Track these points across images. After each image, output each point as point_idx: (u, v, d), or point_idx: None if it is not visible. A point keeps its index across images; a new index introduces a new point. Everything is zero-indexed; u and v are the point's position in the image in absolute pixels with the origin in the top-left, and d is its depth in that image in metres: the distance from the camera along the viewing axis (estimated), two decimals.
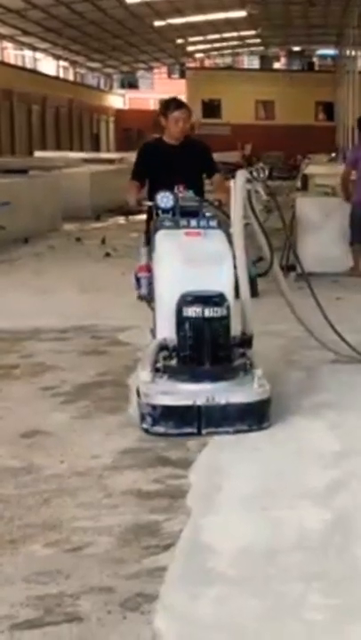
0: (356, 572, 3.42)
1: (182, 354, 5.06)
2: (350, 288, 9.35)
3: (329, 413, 5.29)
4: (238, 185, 5.50)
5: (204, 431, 4.81)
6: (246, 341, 5.35)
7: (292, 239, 6.21)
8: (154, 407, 4.83)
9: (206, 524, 3.83)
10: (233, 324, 5.21)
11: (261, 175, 5.84)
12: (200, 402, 4.82)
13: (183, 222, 5.49)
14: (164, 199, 5.50)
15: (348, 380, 5.97)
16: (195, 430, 4.81)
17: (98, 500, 4.06)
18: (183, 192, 5.63)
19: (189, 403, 4.82)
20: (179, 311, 5.03)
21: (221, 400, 4.85)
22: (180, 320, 5.03)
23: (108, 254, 12.57)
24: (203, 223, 5.49)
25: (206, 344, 4.99)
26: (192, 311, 4.98)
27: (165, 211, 5.54)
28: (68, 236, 15.01)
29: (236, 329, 5.31)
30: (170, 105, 6.24)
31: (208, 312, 4.97)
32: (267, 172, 5.94)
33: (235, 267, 5.32)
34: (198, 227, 5.48)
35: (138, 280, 5.70)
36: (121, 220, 18.38)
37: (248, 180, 5.57)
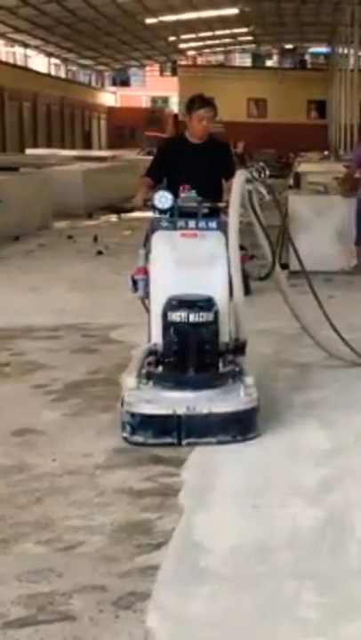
0: (349, 570, 3.42)
1: (167, 360, 4.88)
2: (343, 286, 9.37)
3: (321, 411, 5.29)
4: (237, 184, 5.34)
5: (184, 441, 4.63)
6: (239, 348, 5.15)
7: (288, 237, 6.10)
8: (133, 415, 4.67)
9: (198, 523, 3.83)
10: (227, 328, 5.05)
11: (262, 175, 5.60)
12: (180, 411, 4.64)
13: (181, 223, 5.29)
14: (162, 199, 5.29)
15: (341, 378, 5.97)
16: (175, 440, 4.63)
17: (90, 499, 4.06)
18: (185, 192, 5.43)
19: (169, 412, 4.64)
20: (164, 315, 4.86)
21: (203, 409, 4.66)
22: (166, 325, 4.86)
23: (100, 252, 12.54)
24: (201, 224, 5.29)
25: (191, 350, 4.81)
26: (177, 316, 4.80)
27: (163, 211, 5.33)
28: (59, 234, 14.98)
29: (231, 333, 5.15)
30: (194, 102, 5.89)
31: (193, 317, 4.78)
32: (267, 172, 5.69)
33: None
34: (197, 228, 5.28)
35: (135, 282, 5.43)
36: (113, 218, 18.37)
37: (248, 180, 5.43)
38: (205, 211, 5.36)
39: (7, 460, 4.51)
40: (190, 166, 5.74)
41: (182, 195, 5.40)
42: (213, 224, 5.30)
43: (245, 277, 5.58)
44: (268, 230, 5.69)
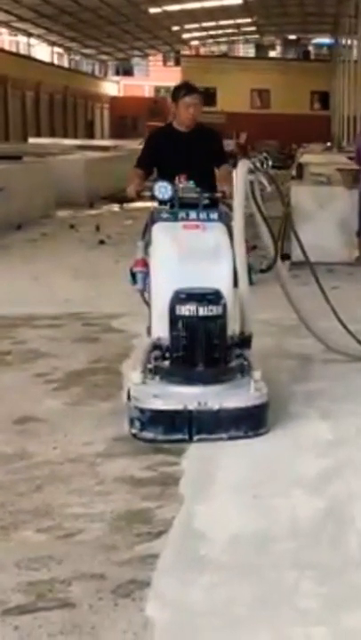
0: (349, 561, 3.42)
1: (175, 354, 4.78)
2: (345, 278, 9.36)
3: (322, 402, 5.29)
4: (240, 175, 5.26)
5: (195, 437, 4.56)
6: (245, 341, 5.07)
7: (292, 227, 6.05)
8: (142, 411, 4.59)
9: (199, 512, 3.83)
10: (233, 321, 4.98)
11: (264, 165, 5.55)
12: (191, 406, 4.57)
13: (182, 214, 5.19)
14: (162, 189, 5.19)
15: (341, 369, 5.96)
16: (186, 436, 4.56)
17: (90, 487, 4.06)
18: (183, 182, 5.31)
19: (180, 407, 4.57)
20: (172, 309, 4.75)
21: (214, 405, 4.59)
22: (173, 319, 4.75)
23: (101, 242, 12.53)
24: (203, 215, 5.20)
25: (200, 344, 4.72)
26: (185, 309, 4.70)
27: (163, 202, 5.24)
28: (61, 223, 14.97)
29: (236, 327, 5.09)
30: (180, 90, 5.83)
31: (202, 310, 4.69)
32: (270, 163, 5.61)
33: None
34: (198, 219, 5.19)
35: (133, 275, 5.34)
36: (115, 207, 18.34)
37: (250, 171, 5.34)
38: (206, 201, 5.27)
39: (8, 448, 4.51)
40: (180, 155, 5.63)
41: (180, 185, 5.29)
42: (215, 215, 5.21)
43: (249, 269, 5.50)
44: (270, 221, 5.63)
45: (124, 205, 18.10)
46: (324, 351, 6.20)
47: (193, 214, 5.19)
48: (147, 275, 5.22)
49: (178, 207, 5.20)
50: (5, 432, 4.76)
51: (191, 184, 5.31)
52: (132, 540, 3.56)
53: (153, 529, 3.66)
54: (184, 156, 5.63)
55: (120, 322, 7.32)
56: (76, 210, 16.87)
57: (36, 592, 3.16)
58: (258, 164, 5.46)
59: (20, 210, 14.11)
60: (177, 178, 5.35)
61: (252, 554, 3.47)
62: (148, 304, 5.33)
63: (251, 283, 5.35)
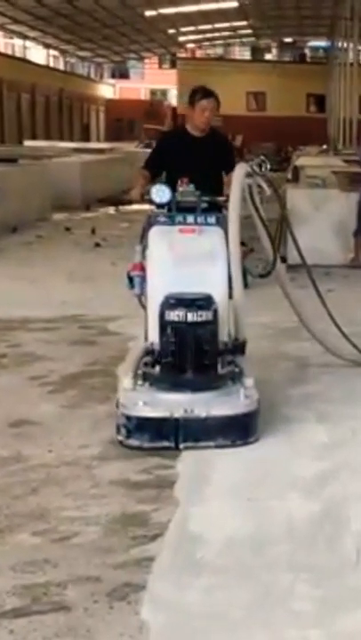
0: (344, 563, 3.42)
1: (164, 360, 4.71)
2: (341, 280, 9.37)
3: (318, 405, 5.29)
4: (237, 178, 5.19)
5: (181, 445, 4.49)
6: (239, 347, 5.01)
7: (289, 230, 5.99)
8: (128, 418, 4.52)
9: (194, 515, 3.83)
10: (226, 327, 4.92)
11: (263, 168, 5.42)
12: (178, 414, 4.50)
13: (179, 218, 5.12)
14: (160, 193, 5.12)
15: (338, 372, 5.96)
16: (172, 444, 4.49)
17: (86, 490, 4.05)
18: (184, 186, 5.24)
19: (166, 414, 4.50)
20: (161, 315, 4.68)
21: (201, 412, 4.51)
22: (163, 324, 4.68)
23: (97, 244, 12.53)
24: (200, 219, 5.12)
25: (189, 351, 4.64)
26: (174, 315, 4.63)
27: (161, 205, 5.17)
28: (57, 226, 14.96)
29: (231, 332, 5.02)
30: (197, 93, 5.74)
31: (192, 316, 4.61)
32: (268, 166, 5.51)
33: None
34: (195, 223, 5.11)
35: (131, 279, 5.25)
36: (111, 210, 18.34)
37: (249, 174, 5.28)
38: (205, 205, 5.21)
39: (4, 451, 4.51)
40: (190, 159, 5.59)
41: (180, 189, 5.23)
42: (212, 219, 5.15)
43: (243, 272, 5.45)
44: (268, 224, 5.56)
45: (120, 208, 18.11)
46: (321, 354, 6.20)
47: (190, 218, 5.14)
48: (144, 279, 5.16)
49: (175, 211, 5.14)
50: (1, 435, 4.75)
51: (191, 187, 5.24)
52: (128, 542, 3.56)
53: (149, 532, 3.66)
54: (193, 160, 5.57)
55: (116, 324, 7.31)
56: (71, 212, 16.87)
57: (32, 595, 3.16)
58: (255, 168, 5.38)
59: (15, 212, 14.10)
60: (179, 181, 5.30)
61: (248, 556, 3.47)
62: (145, 308, 5.26)
63: (245, 285, 5.32)
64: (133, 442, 4.51)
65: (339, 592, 3.22)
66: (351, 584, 3.28)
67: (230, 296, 5.03)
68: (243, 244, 5.51)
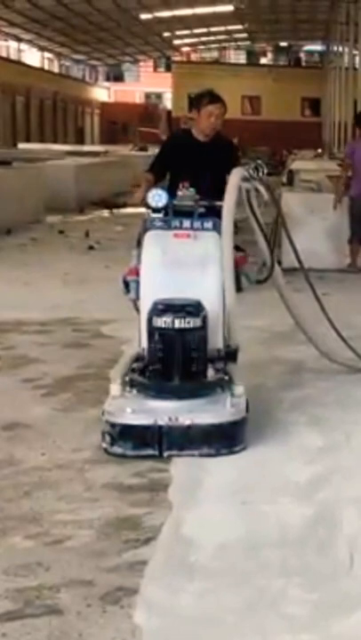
0: (337, 567, 3.42)
1: (152, 367, 4.66)
2: (335, 284, 9.37)
3: (312, 408, 5.29)
4: (232, 183, 5.09)
5: (165, 454, 4.42)
6: (230, 354, 4.95)
7: (287, 235, 5.97)
8: (112, 425, 4.46)
9: (187, 518, 3.82)
10: (220, 333, 4.86)
11: (260, 173, 5.31)
12: (161, 421, 4.42)
13: (175, 223, 5.04)
14: (156, 197, 5.03)
15: (332, 376, 5.96)
16: (155, 452, 4.42)
17: (79, 494, 4.04)
18: (184, 190, 5.16)
19: (150, 422, 4.43)
20: (149, 321, 4.62)
21: (185, 420, 4.43)
22: (150, 330, 4.62)
23: (91, 247, 12.53)
24: (196, 224, 5.04)
25: (176, 358, 4.56)
26: (162, 321, 4.55)
27: (157, 210, 5.07)
28: (51, 229, 14.96)
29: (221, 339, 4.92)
30: (204, 98, 5.67)
31: (179, 323, 4.53)
32: (265, 170, 5.41)
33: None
34: (191, 228, 5.03)
35: (126, 284, 5.19)
36: (105, 213, 18.34)
37: (245, 179, 5.20)
38: (202, 210, 5.12)
39: None
40: (195, 164, 5.52)
41: (180, 193, 5.17)
42: (209, 224, 5.06)
43: (237, 275, 5.30)
44: (265, 228, 5.52)
45: (115, 211, 18.11)
46: (316, 358, 6.19)
47: (186, 223, 5.06)
48: (139, 283, 5.09)
49: (172, 215, 5.07)
50: None
51: (191, 192, 5.16)
52: (121, 546, 3.55)
53: (141, 535, 3.65)
54: (198, 165, 5.52)
55: (110, 328, 7.30)
56: (65, 215, 16.86)
57: (24, 599, 3.15)
58: (251, 172, 5.29)
59: (9, 215, 14.09)
60: (180, 185, 5.24)
61: (241, 560, 3.47)
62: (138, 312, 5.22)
63: (240, 289, 5.30)
64: (117, 449, 4.46)
65: (332, 596, 3.21)
66: (345, 588, 3.27)
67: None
68: (241, 249, 5.46)
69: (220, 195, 5.33)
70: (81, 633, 2.96)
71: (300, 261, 5.87)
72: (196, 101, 5.73)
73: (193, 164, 5.53)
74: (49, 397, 5.48)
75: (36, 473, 4.26)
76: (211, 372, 4.77)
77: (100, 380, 5.80)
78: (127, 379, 4.72)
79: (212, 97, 5.70)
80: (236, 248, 5.31)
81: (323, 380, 5.90)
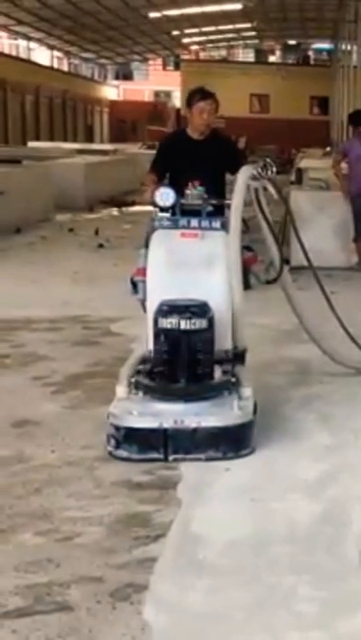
0: (346, 565, 3.43)
1: (157, 369, 4.59)
2: (343, 283, 9.35)
3: (320, 407, 5.29)
4: (240, 182, 5.00)
5: (170, 457, 4.35)
6: (238, 356, 4.86)
7: (296, 234, 5.93)
8: (117, 428, 4.40)
9: (197, 516, 3.83)
10: (228, 334, 4.79)
11: (269, 172, 5.17)
12: (167, 424, 4.35)
13: (183, 222, 4.96)
14: (164, 196, 4.95)
15: (339, 374, 5.96)
16: (161, 456, 4.35)
17: (88, 491, 4.06)
18: (192, 189, 5.10)
19: (155, 425, 4.36)
20: (155, 322, 4.56)
21: (191, 423, 4.36)
22: (156, 332, 4.55)
23: (101, 245, 12.54)
24: (204, 223, 4.95)
25: (182, 359, 4.49)
26: (167, 322, 4.49)
27: (165, 209, 4.98)
28: (60, 227, 14.97)
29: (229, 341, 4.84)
30: (195, 95, 5.64)
31: (185, 324, 4.47)
32: (275, 169, 5.30)
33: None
34: (199, 227, 4.95)
35: (134, 284, 5.14)
36: (114, 211, 18.35)
37: (254, 178, 5.11)
38: (210, 209, 5.06)
39: (6, 451, 4.51)
40: (190, 163, 5.51)
41: (187, 192, 5.10)
42: (217, 223, 4.97)
43: (245, 273, 5.26)
44: (274, 227, 5.48)
45: (124, 209, 18.12)
46: (323, 356, 6.19)
47: (194, 222, 4.98)
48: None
49: (179, 214, 5.00)
50: (4, 435, 4.76)
51: (199, 190, 5.11)
52: (131, 543, 3.57)
53: (151, 532, 3.66)
54: (194, 163, 5.48)
55: (119, 325, 7.32)
56: (75, 213, 16.87)
57: (34, 595, 3.17)
58: (260, 170, 5.17)
59: (19, 213, 14.11)
60: (189, 184, 5.19)
61: (250, 557, 3.48)
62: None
63: (248, 287, 5.26)
64: (122, 453, 4.39)
65: (341, 594, 3.23)
66: (353, 586, 3.28)
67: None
68: (250, 249, 5.41)
69: (218, 192, 5.37)
70: (91, 629, 2.98)
71: (309, 260, 5.85)
72: (188, 99, 5.72)
73: (189, 163, 5.51)
74: (58, 395, 5.50)
75: (46, 470, 4.28)
76: (218, 374, 4.71)
77: (109, 377, 5.79)
78: (133, 380, 4.67)
79: (203, 93, 5.66)
80: (247, 248, 5.28)
81: (331, 378, 5.90)
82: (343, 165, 10.66)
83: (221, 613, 3.09)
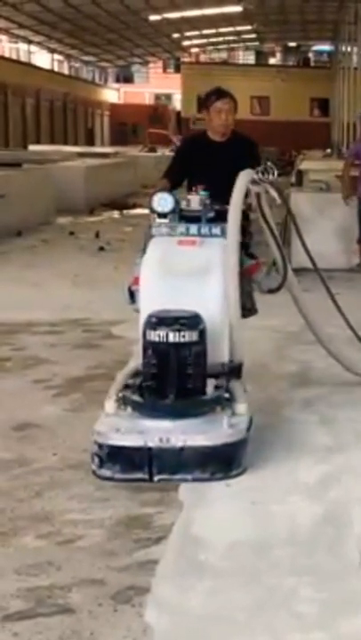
0: (347, 566, 3.43)
1: (146, 384, 4.34)
2: (345, 284, 9.33)
3: (321, 408, 5.29)
4: (238, 186, 4.77)
5: (155, 478, 4.10)
6: (234, 370, 4.59)
7: (298, 236, 5.90)
8: (100, 446, 4.16)
9: (198, 518, 3.84)
10: (225, 347, 4.57)
11: (270, 176, 5.02)
12: (152, 443, 4.09)
13: (181, 229, 4.75)
14: (162, 202, 4.74)
15: (341, 376, 5.96)
16: (146, 476, 4.11)
17: (90, 493, 4.06)
18: (194, 194, 4.88)
19: (139, 444, 4.11)
20: (143, 334, 4.32)
21: (177, 442, 4.09)
22: (144, 345, 4.31)
23: (101, 248, 12.55)
24: (204, 230, 4.74)
25: (171, 374, 4.23)
26: (155, 335, 4.24)
27: (163, 215, 4.78)
28: (61, 230, 14.99)
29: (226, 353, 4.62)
30: (211, 95, 5.41)
31: (173, 337, 4.21)
32: (276, 172, 5.07)
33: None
34: (199, 234, 4.74)
35: (132, 293, 4.89)
36: (115, 214, 18.36)
37: (255, 182, 4.92)
38: (211, 215, 4.81)
39: (7, 454, 4.52)
40: (211, 167, 5.22)
41: (189, 197, 4.90)
42: (217, 230, 4.75)
43: (250, 293, 5.02)
44: (276, 233, 5.29)
45: (125, 212, 18.13)
46: (324, 357, 6.19)
47: (193, 229, 4.76)
48: None
49: (177, 221, 4.78)
50: (5, 438, 4.77)
51: (202, 195, 4.85)
52: (132, 545, 3.57)
53: (152, 535, 3.67)
54: (214, 167, 5.19)
55: (120, 328, 7.31)
56: (75, 216, 16.89)
57: (36, 598, 3.17)
58: (260, 174, 5.00)
59: (20, 216, 14.13)
60: (193, 188, 5.01)
61: (252, 559, 3.48)
62: None
63: (254, 311, 5.05)
64: (105, 472, 4.15)
65: (342, 595, 3.23)
66: (354, 587, 3.28)
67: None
68: (253, 256, 5.22)
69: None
70: (92, 632, 2.98)
71: (313, 263, 5.81)
72: (204, 101, 5.52)
73: (209, 167, 5.25)
74: (59, 398, 5.50)
75: (47, 473, 4.28)
76: (210, 390, 4.45)
77: (110, 380, 5.75)
78: (121, 395, 4.44)
79: (220, 93, 5.47)
80: (250, 255, 5.11)
81: (333, 379, 5.90)
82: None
83: (223, 615, 3.09)
